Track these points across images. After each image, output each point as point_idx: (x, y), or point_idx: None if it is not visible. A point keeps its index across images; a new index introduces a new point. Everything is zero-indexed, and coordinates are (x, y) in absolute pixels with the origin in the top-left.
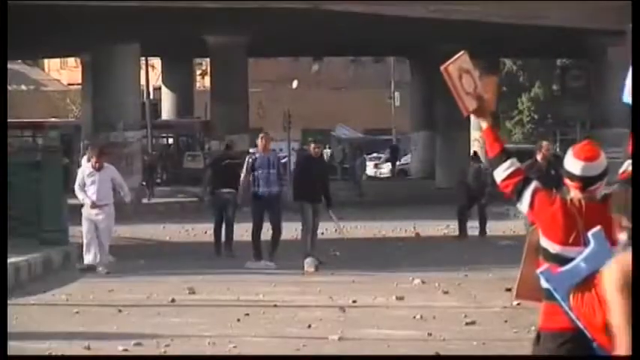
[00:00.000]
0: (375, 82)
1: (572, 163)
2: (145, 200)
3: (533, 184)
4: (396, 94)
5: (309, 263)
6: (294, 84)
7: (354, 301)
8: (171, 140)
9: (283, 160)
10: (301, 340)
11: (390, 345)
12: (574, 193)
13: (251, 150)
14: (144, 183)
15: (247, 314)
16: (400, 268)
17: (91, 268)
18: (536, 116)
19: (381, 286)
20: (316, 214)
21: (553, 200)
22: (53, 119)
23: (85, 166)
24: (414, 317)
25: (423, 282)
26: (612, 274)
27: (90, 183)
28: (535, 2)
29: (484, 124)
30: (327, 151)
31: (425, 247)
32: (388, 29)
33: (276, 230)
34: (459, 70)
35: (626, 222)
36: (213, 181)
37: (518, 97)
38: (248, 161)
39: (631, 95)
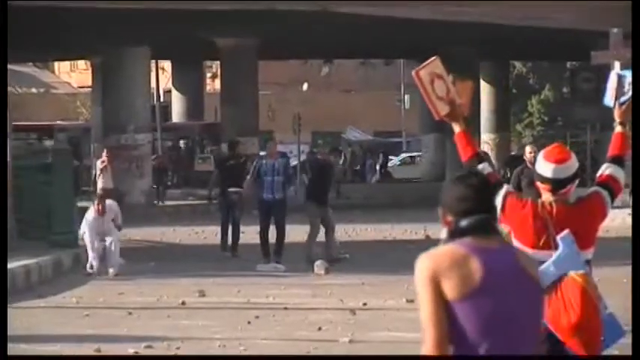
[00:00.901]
0: (385, 85)
1: (543, 166)
2: (156, 202)
3: (504, 188)
4: (406, 96)
5: (319, 266)
6: (304, 86)
7: (365, 304)
8: (170, 143)
9: (293, 164)
10: (312, 342)
11: (401, 347)
12: (545, 196)
13: (261, 153)
14: (155, 186)
15: (257, 317)
16: (411, 270)
17: (93, 274)
18: (546, 119)
19: (392, 288)
20: (327, 215)
21: (524, 204)
22: (59, 122)
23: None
24: None
25: None
26: (419, 268)
27: (96, 227)
28: (545, 4)
29: (457, 129)
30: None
31: None
32: (398, 31)
33: (280, 232)
34: (431, 74)
35: (450, 217)
36: (221, 181)
37: (528, 100)
38: (254, 166)
39: (613, 98)
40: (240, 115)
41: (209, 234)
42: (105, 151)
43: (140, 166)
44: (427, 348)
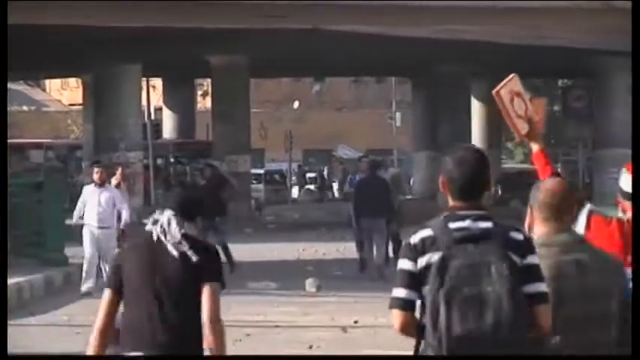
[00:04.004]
0: (376, 103)
1: (630, 183)
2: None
3: (588, 207)
4: (397, 114)
5: (310, 283)
6: (296, 104)
7: (356, 322)
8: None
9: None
10: None
11: None
12: (630, 213)
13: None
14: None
15: (248, 334)
16: None
17: (89, 294)
18: None
19: (384, 306)
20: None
21: (609, 221)
22: (37, 140)
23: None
24: None
25: None
26: None
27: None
28: (542, 23)
29: (535, 147)
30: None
31: None
32: (389, 49)
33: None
34: (510, 93)
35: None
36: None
37: None
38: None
39: None
40: (232, 132)
41: None
42: (119, 169)
43: (132, 184)
44: None
